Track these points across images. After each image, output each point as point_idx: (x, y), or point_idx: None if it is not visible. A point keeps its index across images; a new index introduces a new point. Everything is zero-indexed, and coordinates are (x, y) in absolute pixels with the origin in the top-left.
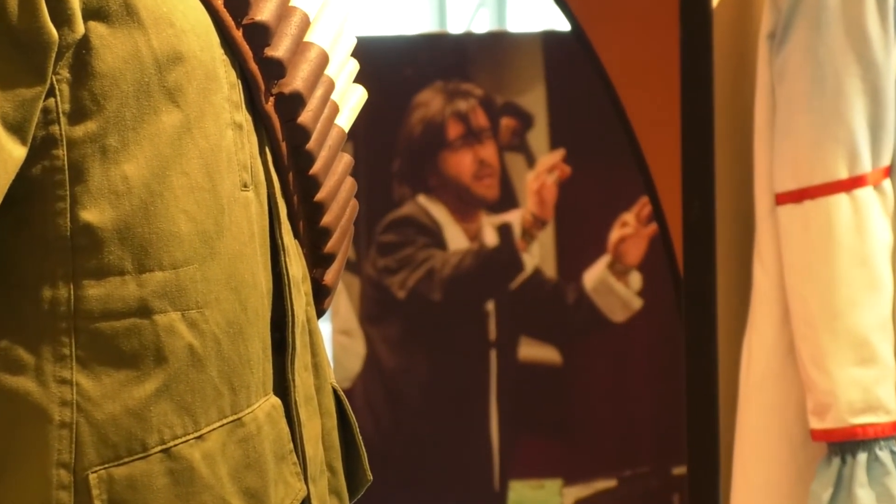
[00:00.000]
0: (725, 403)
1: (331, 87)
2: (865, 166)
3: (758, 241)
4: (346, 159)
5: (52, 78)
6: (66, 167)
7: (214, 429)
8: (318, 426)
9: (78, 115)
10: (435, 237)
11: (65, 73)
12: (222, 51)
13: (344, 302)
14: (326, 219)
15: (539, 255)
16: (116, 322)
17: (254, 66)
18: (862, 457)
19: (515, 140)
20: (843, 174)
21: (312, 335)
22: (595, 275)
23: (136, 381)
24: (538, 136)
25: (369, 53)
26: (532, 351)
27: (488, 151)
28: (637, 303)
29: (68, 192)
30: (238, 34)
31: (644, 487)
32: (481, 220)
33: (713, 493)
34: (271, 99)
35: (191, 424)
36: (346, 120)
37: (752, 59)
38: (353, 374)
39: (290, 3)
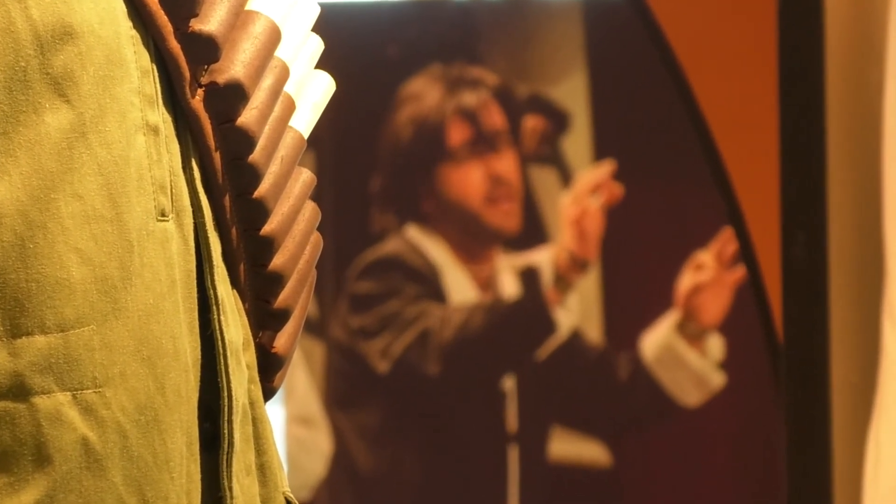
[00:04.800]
0: None
1: (284, 74)
2: None
3: (888, 292)
4: (304, 176)
5: None
6: None
7: None
8: None
9: None
10: (431, 286)
11: None
12: (130, 24)
13: (302, 378)
14: (278, 260)
15: (579, 311)
16: None
17: (175, 46)
18: None
19: (545, 148)
20: None
21: (257, 425)
22: (658, 339)
23: (8, 490)
24: (577, 143)
25: (338, 26)
26: (568, 447)
27: (506, 164)
28: (717, 379)
29: None
30: (153, 0)
31: None
32: (496, 262)
33: None
34: (200, 91)
35: None
36: (305, 121)
37: (878, 37)
38: (314, 479)
39: None
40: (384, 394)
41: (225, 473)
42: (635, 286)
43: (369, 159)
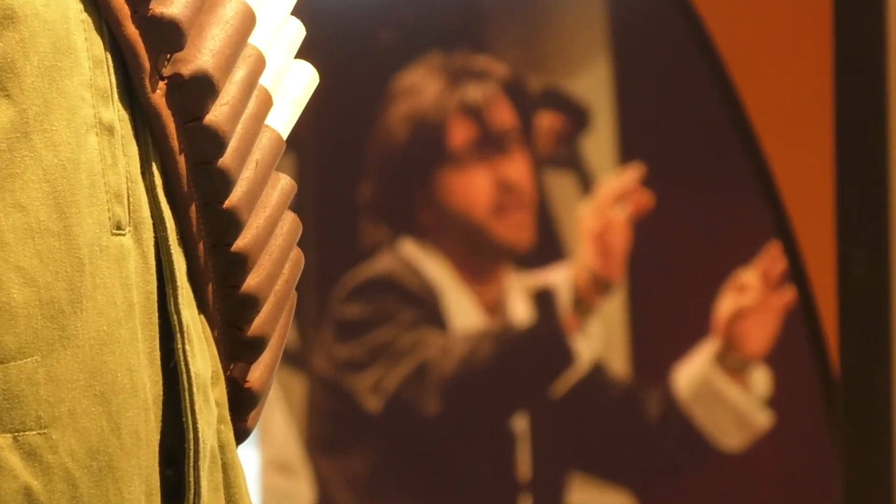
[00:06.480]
0: None
1: (259, 65)
2: None
3: None
4: (283, 183)
5: None
6: None
7: None
8: None
9: None
10: (429, 310)
11: None
12: (81, 6)
13: (280, 417)
14: (252, 280)
15: (602, 340)
16: None
17: (132, 32)
18: None
19: (562, 150)
20: None
21: (228, 472)
22: (694, 373)
23: None
24: (599, 145)
25: (323, 9)
26: (589, 497)
27: (517, 168)
28: (763, 418)
29: None
30: None
31: None
32: (505, 283)
33: None
34: (162, 85)
35: None
36: (284, 119)
37: None
38: None
39: None
40: (375, 436)
41: None
42: (667, 311)
43: (358, 163)
